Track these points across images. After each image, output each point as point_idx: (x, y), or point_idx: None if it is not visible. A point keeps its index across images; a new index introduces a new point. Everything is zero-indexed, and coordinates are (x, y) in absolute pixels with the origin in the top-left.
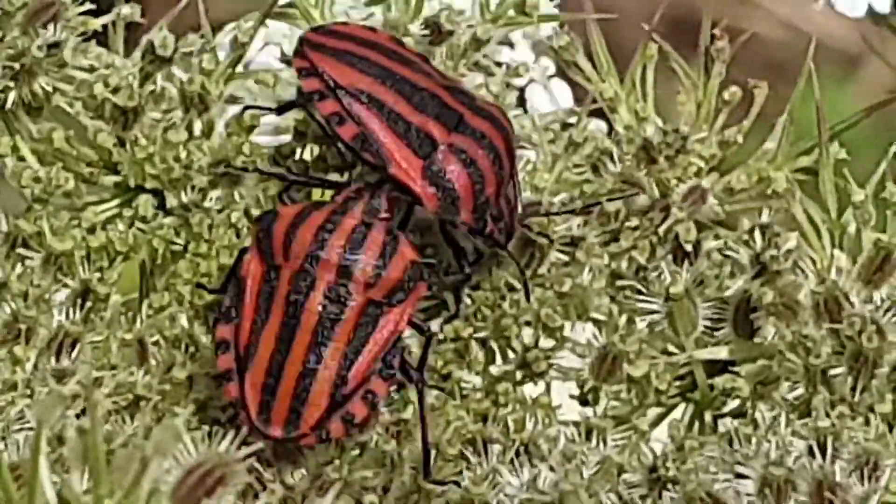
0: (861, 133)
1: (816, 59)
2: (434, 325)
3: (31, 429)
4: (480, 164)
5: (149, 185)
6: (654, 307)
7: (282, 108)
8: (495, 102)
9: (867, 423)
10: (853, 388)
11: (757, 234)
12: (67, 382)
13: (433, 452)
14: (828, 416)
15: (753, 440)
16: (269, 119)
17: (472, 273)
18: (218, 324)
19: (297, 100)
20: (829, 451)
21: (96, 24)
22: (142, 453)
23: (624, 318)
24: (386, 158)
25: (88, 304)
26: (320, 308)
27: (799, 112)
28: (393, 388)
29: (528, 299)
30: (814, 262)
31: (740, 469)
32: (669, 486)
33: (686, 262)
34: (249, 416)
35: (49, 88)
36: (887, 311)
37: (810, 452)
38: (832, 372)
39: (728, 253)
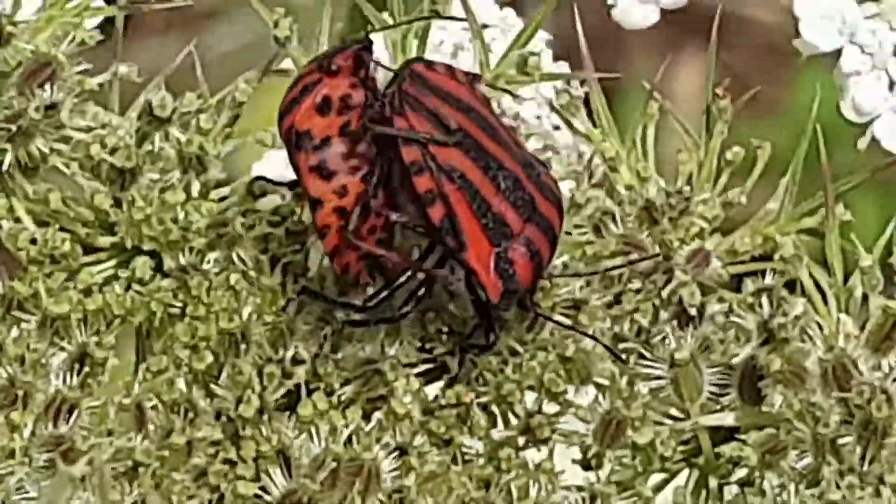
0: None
1: None
2: (435, 389)
3: (31, 499)
4: (543, 256)
5: (146, 246)
6: (659, 372)
7: (295, 183)
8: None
9: (877, 493)
10: (862, 458)
11: (764, 298)
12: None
13: None
14: (838, 487)
15: None
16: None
17: (496, 342)
18: None
19: None
20: None
21: (93, 83)
22: None
23: (628, 383)
24: (464, 244)
25: (86, 368)
26: None
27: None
28: None
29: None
30: (820, 327)
31: None
32: None
33: (690, 327)
34: None
35: (46, 150)
36: None
37: None
38: (841, 441)
39: (734, 319)
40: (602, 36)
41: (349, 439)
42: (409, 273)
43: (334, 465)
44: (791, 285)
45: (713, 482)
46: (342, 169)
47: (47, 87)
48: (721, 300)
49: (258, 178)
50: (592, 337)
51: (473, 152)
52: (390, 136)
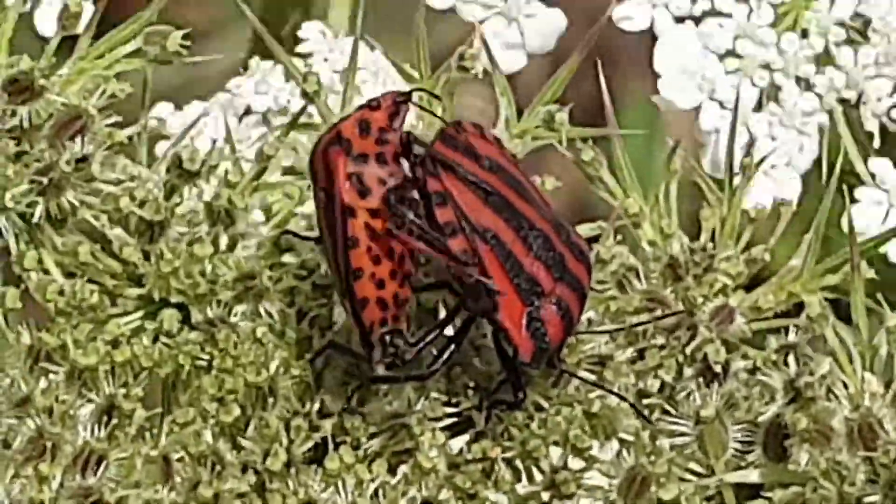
0: None
1: None
2: (460, 443)
3: None
4: (573, 315)
5: (174, 298)
6: (684, 429)
7: (321, 238)
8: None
9: None
10: None
11: (790, 357)
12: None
13: None
14: None
15: None
16: None
17: (524, 399)
18: None
19: None
20: None
21: (122, 136)
22: None
23: (652, 439)
24: (497, 304)
25: (113, 419)
26: None
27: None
28: None
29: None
30: (845, 385)
31: None
32: None
33: (715, 383)
34: None
35: (76, 202)
36: None
37: None
38: (867, 500)
39: (760, 377)
40: (593, 56)
41: (375, 493)
42: (437, 331)
43: None
44: (814, 340)
45: None
46: (376, 191)
47: (78, 139)
48: (745, 357)
49: (285, 231)
50: (618, 395)
51: (505, 212)
52: (425, 197)
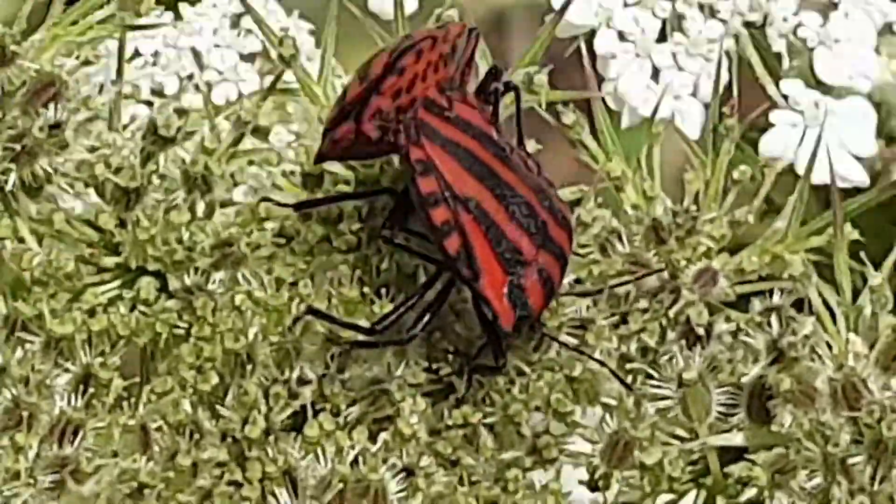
0: None
1: None
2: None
3: None
4: (554, 282)
5: (151, 266)
6: (667, 392)
7: (300, 205)
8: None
9: None
10: (873, 478)
11: (773, 318)
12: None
13: None
14: None
15: None
16: None
17: (505, 364)
18: None
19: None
20: None
21: (97, 103)
22: None
23: (636, 404)
24: (478, 272)
25: (90, 389)
26: None
27: None
28: None
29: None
30: (829, 346)
31: None
32: None
33: (698, 346)
34: None
35: (50, 169)
36: None
37: None
38: (851, 461)
39: (743, 338)
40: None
41: (355, 460)
42: (417, 295)
43: (340, 486)
44: (798, 304)
45: (721, 503)
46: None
47: (51, 106)
48: (728, 319)
49: (264, 199)
50: (597, 360)
51: (488, 180)
52: (409, 166)
